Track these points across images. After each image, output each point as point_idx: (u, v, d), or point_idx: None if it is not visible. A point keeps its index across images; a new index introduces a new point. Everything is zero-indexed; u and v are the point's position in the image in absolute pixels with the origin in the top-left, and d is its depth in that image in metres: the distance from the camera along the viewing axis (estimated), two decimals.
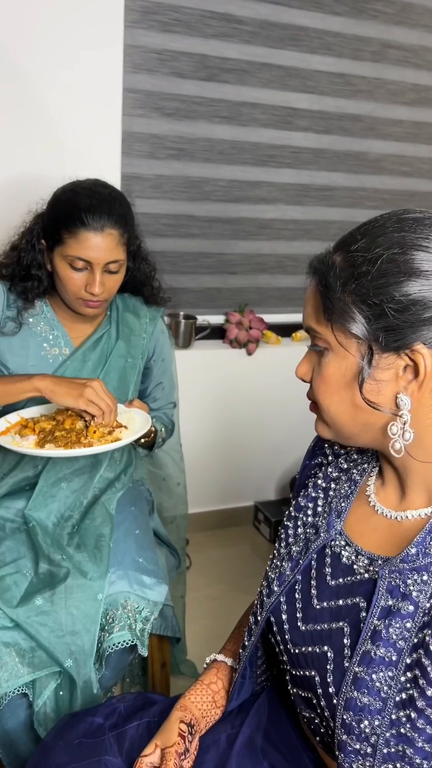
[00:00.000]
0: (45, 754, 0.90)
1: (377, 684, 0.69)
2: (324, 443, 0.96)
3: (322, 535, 0.83)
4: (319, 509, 0.89)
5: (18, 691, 1.10)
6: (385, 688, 0.69)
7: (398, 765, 0.68)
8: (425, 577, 0.70)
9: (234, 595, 2.22)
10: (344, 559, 0.81)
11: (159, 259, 1.61)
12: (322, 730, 0.78)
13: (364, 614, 0.74)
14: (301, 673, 0.79)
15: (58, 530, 1.28)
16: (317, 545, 0.83)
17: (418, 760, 0.67)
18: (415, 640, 0.69)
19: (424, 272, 0.67)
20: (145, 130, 2.12)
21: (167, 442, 1.57)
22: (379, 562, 0.77)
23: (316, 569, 0.83)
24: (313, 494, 0.91)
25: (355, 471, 0.88)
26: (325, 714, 0.75)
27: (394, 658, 0.69)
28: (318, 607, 0.80)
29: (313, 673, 0.77)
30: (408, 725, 0.67)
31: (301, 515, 0.90)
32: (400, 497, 0.80)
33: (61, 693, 1.13)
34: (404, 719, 0.67)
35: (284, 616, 0.83)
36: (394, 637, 0.70)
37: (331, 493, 0.89)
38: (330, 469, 0.91)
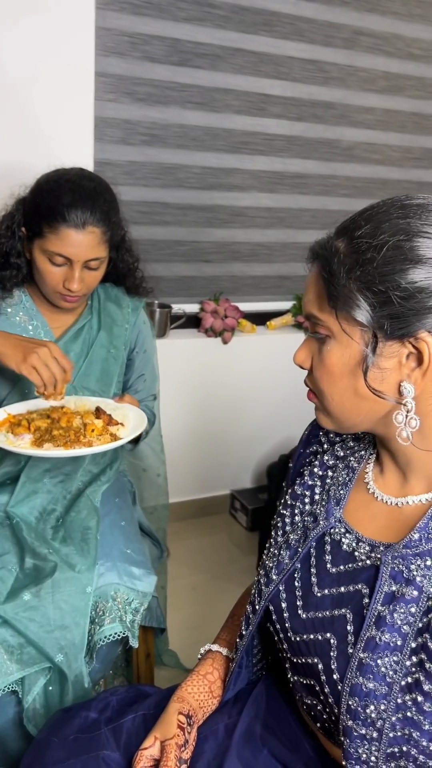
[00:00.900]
0: (40, 751, 0.89)
1: (382, 669, 0.70)
2: (319, 431, 0.96)
3: (321, 523, 0.83)
4: (317, 497, 0.89)
5: (7, 689, 1.08)
6: (391, 672, 0.69)
7: (404, 748, 0.69)
8: (429, 562, 0.71)
9: (213, 584, 2.22)
10: (345, 547, 0.81)
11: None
12: (324, 717, 0.79)
13: (367, 600, 0.75)
14: (303, 660, 0.79)
15: (42, 524, 1.26)
16: (316, 533, 0.83)
17: (424, 743, 0.67)
18: (420, 625, 0.69)
19: (430, 259, 0.67)
20: (118, 116, 2.08)
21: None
22: (381, 548, 0.77)
23: (315, 557, 0.83)
24: (310, 482, 0.91)
25: (352, 458, 0.88)
26: (329, 700, 0.75)
27: (399, 642, 0.70)
28: (319, 594, 0.80)
29: (315, 660, 0.77)
30: (414, 709, 0.67)
31: (298, 503, 0.90)
32: (399, 483, 0.80)
33: (50, 688, 1.11)
34: (410, 703, 0.68)
35: (284, 605, 0.83)
36: (399, 622, 0.70)
37: (328, 480, 0.89)
38: (326, 457, 0.91)
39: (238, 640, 0.91)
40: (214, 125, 2.24)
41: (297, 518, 0.89)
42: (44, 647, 1.08)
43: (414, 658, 0.69)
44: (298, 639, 0.80)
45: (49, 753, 0.87)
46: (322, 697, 0.77)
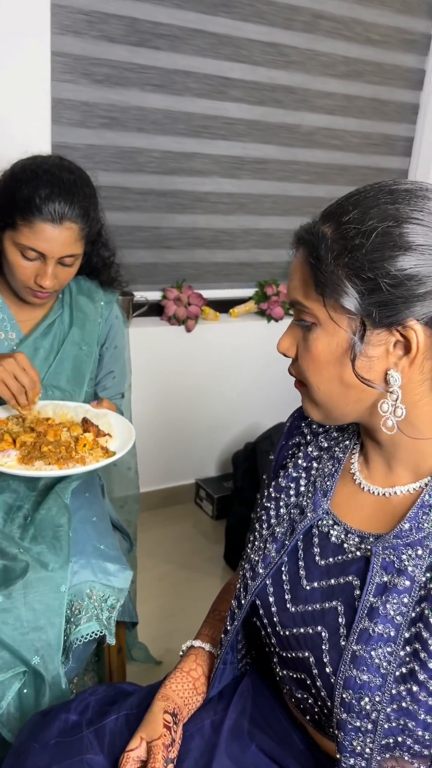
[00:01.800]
0: (20, 757, 0.85)
1: (376, 661, 0.69)
2: (301, 422, 0.95)
3: (308, 515, 0.82)
4: (302, 489, 0.87)
5: None
6: (385, 664, 0.69)
7: (399, 738, 0.68)
8: (420, 552, 0.71)
9: (180, 574, 2.21)
10: (333, 539, 0.80)
11: None
12: (316, 710, 0.78)
13: (358, 592, 0.74)
14: (293, 654, 0.78)
15: (9, 524, 1.22)
16: (304, 525, 0.82)
17: (419, 732, 0.67)
18: (413, 615, 0.69)
19: (420, 246, 0.65)
20: (75, 98, 2.02)
21: None
22: (371, 539, 0.76)
23: (303, 550, 0.82)
24: (295, 474, 0.89)
25: (337, 449, 0.87)
26: (321, 694, 0.74)
27: (392, 633, 0.69)
28: (308, 587, 0.79)
29: (306, 654, 0.76)
30: (409, 699, 0.67)
31: (283, 496, 0.89)
32: (386, 473, 0.79)
33: (25, 691, 1.07)
34: (405, 693, 0.67)
35: (271, 599, 0.82)
36: (392, 612, 0.70)
37: (313, 472, 0.88)
38: (310, 449, 0.90)
39: (222, 635, 0.89)
40: (174, 108, 2.19)
41: (282, 510, 0.87)
42: (19, 650, 1.04)
43: (408, 648, 0.68)
44: (287, 633, 0.79)
45: (30, 759, 0.84)
46: (313, 691, 0.76)
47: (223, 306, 2.50)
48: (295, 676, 0.80)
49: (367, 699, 0.69)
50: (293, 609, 0.79)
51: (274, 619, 0.81)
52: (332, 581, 0.77)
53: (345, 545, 0.78)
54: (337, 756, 0.72)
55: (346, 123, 2.57)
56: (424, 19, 2.60)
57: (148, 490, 2.51)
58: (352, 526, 0.79)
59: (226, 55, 2.22)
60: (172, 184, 2.27)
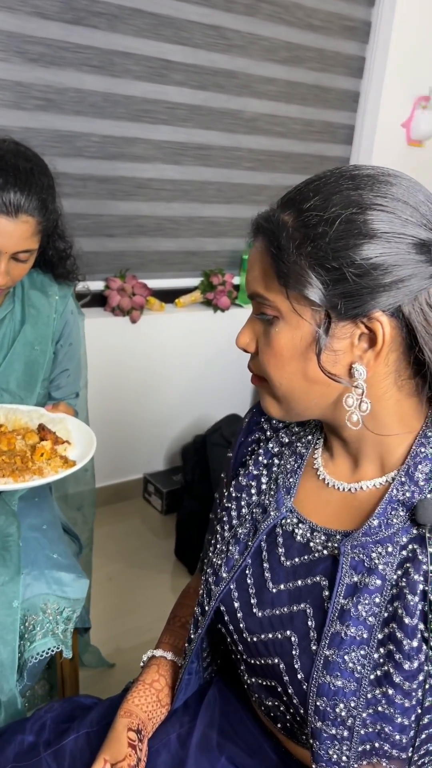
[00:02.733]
0: None
1: (350, 665, 0.66)
2: (260, 417, 0.91)
3: (271, 513, 0.79)
4: (264, 487, 0.84)
5: None
6: (359, 667, 0.66)
7: (376, 744, 0.66)
8: (389, 549, 0.68)
9: (130, 572, 2.15)
10: (299, 537, 0.77)
11: None
12: (288, 717, 0.75)
13: (327, 593, 0.71)
14: (262, 661, 0.75)
15: None
16: (267, 525, 0.78)
17: (396, 736, 0.65)
18: (386, 615, 0.67)
19: (385, 234, 0.62)
20: (8, 77, 1.91)
21: None
22: (338, 537, 0.73)
23: (267, 551, 0.78)
24: (255, 472, 0.85)
25: (299, 444, 0.83)
26: (294, 701, 0.71)
27: (365, 635, 0.67)
28: (274, 590, 0.76)
29: (276, 660, 0.73)
30: (385, 702, 0.65)
31: (243, 495, 0.85)
32: (350, 468, 0.76)
33: None
34: (380, 696, 0.65)
35: (236, 604, 0.78)
36: (364, 614, 0.67)
37: (275, 469, 0.84)
38: (270, 444, 0.86)
39: (186, 644, 0.84)
40: (113, 91, 2.11)
41: (244, 510, 0.83)
42: None
43: (382, 650, 0.66)
44: (255, 639, 0.75)
45: None
46: (285, 699, 0.73)
47: (169, 296, 2.44)
48: (264, 683, 0.76)
49: (342, 705, 0.66)
50: (260, 614, 0.76)
51: (241, 625, 0.77)
52: (299, 582, 0.74)
53: (311, 544, 0.75)
54: (313, 766, 0.69)
55: (288, 110, 2.54)
56: (364, 6, 2.59)
57: (95, 487, 2.44)
58: (317, 524, 0.76)
59: (167, 36, 2.15)
60: (113, 169, 2.19)
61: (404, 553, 0.68)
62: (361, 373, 0.66)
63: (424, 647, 0.65)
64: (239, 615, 0.77)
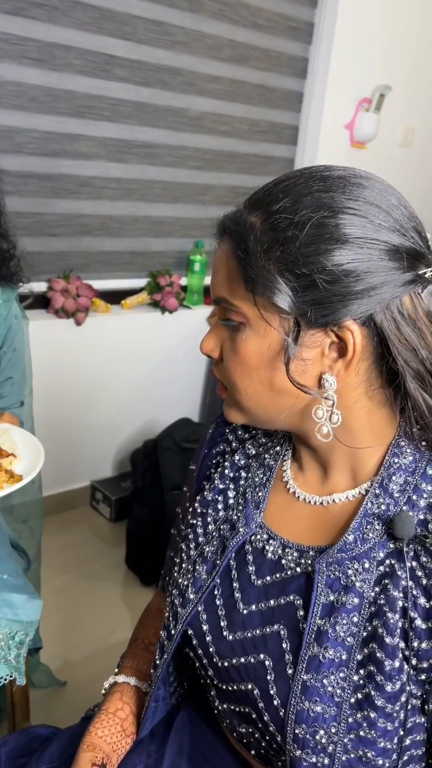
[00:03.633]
0: None
1: (329, 688, 0.63)
2: (225, 428, 0.87)
3: (240, 530, 0.75)
4: (231, 501, 0.80)
5: None
6: (338, 691, 0.63)
7: None
8: (366, 565, 0.65)
9: (80, 584, 2.08)
10: (269, 555, 0.73)
11: None
12: (262, 744, 0.71)
13: (302, 613, 0.68)
14: (235, 687, 0.71)
15: None
16: (236, 542, 0.74)
17: (380, 761, 0.62)
18: (365, 634, 0.64)
19: (357, 239, 0.60)
20: None
21: None
22: (311, 553, 0.70)
23: (236, 569, 0.74)
24: (221, 486, 0.81)
25: (267, 456, 0.80)
26: (270, 728, 0.67)
27: (344, 657, 0.63)
28: (245, 611, 0.72)
29: (250, 686, 0.69)
30: (366, 726, 0.62)
31: (210, 511, 0.80)
32: (321, 480, 0.73)
33: None
34: (362, 720, 0.62)
35: (205, 627, 0.73)
36: (342, 634, 0.64)
37: (242, 482, 0.80)
38: (237, 457, 0.82)
39: (152, 671, 0.79)
40: (54, 86, 2.03)
41: (211, 527, 0.79)
42: None
43: (362, 671, 0.63)
44: (226, 664, 0.71)
45: None
46: (260, 725, 0.69)
47: (115, 297, 2.37)
48: (237, 709, 0.72)
49: (322, 732, 0.63)
50: (230, 637, 0.71)
51: (210, 649, 0.73)
52: (271, 602, 0.70)
53: (283, 561, 0.72)
54: None
55: (233, 109, 2.51)
56: (307, 7, 2.58)
57: (42, 497, 2.35)
58: (289, 540, 0.73)
59: (110, 30, 2.09)
60: (55, 167, 2.11)
61: (381, 568, 0.65)
62: (332, 384, 0.64)
63: (406, 667, 0.62)
64: (208, 639, 0.73)
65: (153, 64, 2.23)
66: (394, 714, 0.62)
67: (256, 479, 0.78)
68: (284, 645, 0.67)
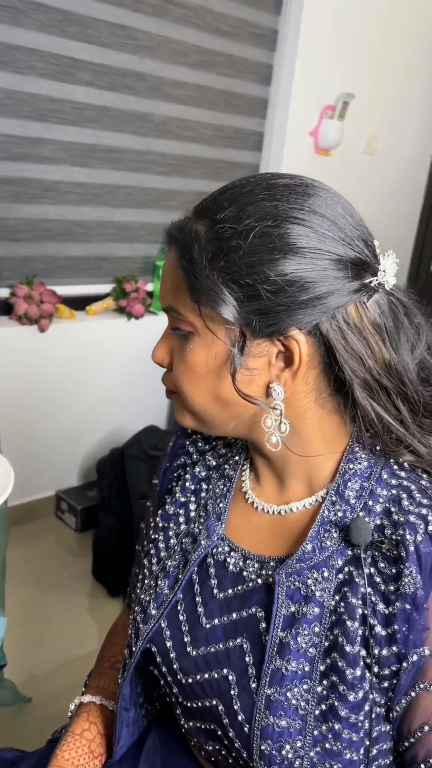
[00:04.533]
0: None
1: (293, 702, 0.62)
2: (185, 440, 0.86)
3: (202, 542, 0.73)
4: (192, 514, 0.78)
5: None
6: (303, 703, 0.62)
7: None
8: (325, 573, 0.64)
9: (45, 596, 2.04)
10: (231, 567, 0.72)
11: None
12: (230, 761, 0.69)
13: (264, 625, 0.66)
14: (199, 704, 0.69)
15: None
16: (198, 555, 0.73)
17: None
18: (326, 644, 0.63)
19: (301, 249, 0.59)
20: None
21: None
22: (271, 563, 0.69)
23: (199, 583, 0.73)
24: (183, 499, 0.80)
25: (226, 466, 0.79)
26: (236, 745, 0.66)
27: (306, 668, 0.63)
28: (208, 626, 0.70)
29: (215, 702, 0.67)
30: (332, 738, 0.61)
31: (171, 524, 0.79)
32: (278, 490, 0.72)
33: None
34: (327, 732, 0.61)
35: (169, 643, 0.72)
36: (304, 645, 0.63)
37: (203, 494, 0.79)
38: (198, 469, 0.81)
39: (118, 691, 0.77)
40: (16, 88, 1.99)
41: (172, 541, 0.78)
42: None
43: (325, 682, 0.62)
44: (190, 681, 0.70)
45: None
46: (226, 742, 0.67)
47: (79, 303, 2.34)
48: (203, 727, 0.71)
49: (288, 747, 0.61)
50: (194, 653, 0.70)
51: (174, 666, 0.71)
52: (234, 615, 0.69)
53: (244, 573, 0.71)
54: None
55: (199, 114, 2.50)
56: (271, 14, 2.59)
57: (6, 508, 2.29)
58: (249, 551, 0.72)
59: (73, 33, 2.06)
60: (18, 171, 2.07)
61: (341, 576, 0.64)
62: (279, 393, 0.63)
63: (368, 675, 0.61)
64: (172, 655, 0.71)
65: (117, 68, 2.20)
66: (359, 724, 0.61)
67: (217, 490, 0.77)
68: (247, 659, 0.66)
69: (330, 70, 2.75)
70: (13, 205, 2.10)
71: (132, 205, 2.41)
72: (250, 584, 0.70)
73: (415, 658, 0.60)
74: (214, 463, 0.80)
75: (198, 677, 0.69)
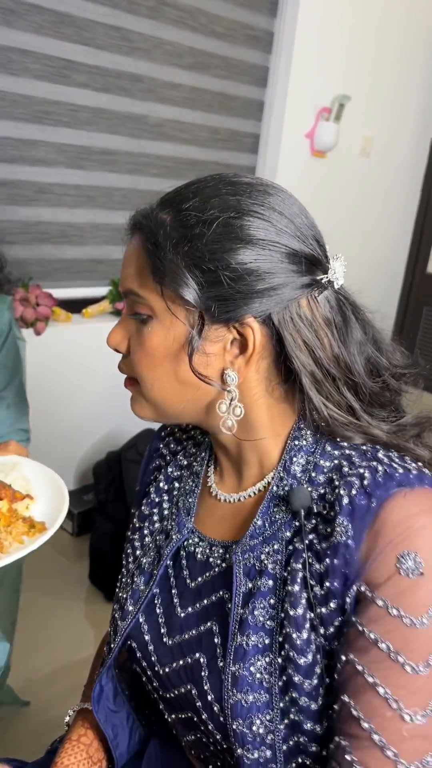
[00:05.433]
0: None
1: (258, 676, 0.62)
2: (159, 444, 0.88)
3: (174, 537, 0.75)
4: (166, 512, 0.81)
5: None
6: (267, 676, 0.62)
7: (300, 759, 0.62)
8: (276, 546, 0.66)
9: (42, 602, 2.02)
10: (199, 556, 0.74)
11: None
12: (213, 750, 0.69)
13: (229, 606, 0.67)
14: (176, 692, 0.70)
15: None
16: (170, 549, 0.75)
17: (314, 748, 0.61)
18: (282, 615, 0.63)
19: (261, 240, 0.63)
20: None
21: None
22: (233, 547, 0.71)
23: (174, 576, 0.75)
24: (157, 499, 0.82)
25: (195, 463, 0.81)
26: (209, 727, 0.66)
27: (267, 641, 0.63)
28: (182, 615, 0.72)
29: (189, 687, 0.68)
30: (293, 709, 0.61)
31: (146, 524, 0.81)
32: (237, 479, 0.75)
33: None
34: (289, 703, 0.61)
35: (147, 637, 0.73)
36: (261, 619, 0.64)
37: (175, 493, 0.81)
38: (170, 469, 0.83)
39: (95, 686, 0.77)
40: (11, 90, 1.99)
41: (147, 539, 0.80)
42: None
43: (283, 653, 0.62)
44: (167, 670, 0.71)
45: None
46: (203, 728, 0.68)
47: (75, 306, 2.33)
48: (182, 716, 0.71)
49: (258, 722, 0.62)
50: (170, 642, 0.71)
51: (152, 658, 0.72)
52: (205, 601, 0.71)
53: (210, 560, 0.73)
54: None
55: (194, 116, 2.50)
56: (267, 16, 2.60)
57: None
58: (215, 539, 0.74)
59: (68, 35, 2.06)
60: (12, 173, 2.07)
61: (291, 547, 0.65)
62: (233, 379, 0.66)
63: (313, 636, 0.61)
64: (150, 648, 0.73)
65: (112, 70, 2.20)
66: (313, 692, 0.61)
67: (187, 487, 0.80)
68: (216, 640, 0.67)
69: (326, 72, 2.76)
70: (8, 207, 2.09)
71: (128, 207, 2.40)
72: (216, 569, 0.72)
73: (349, 600, 0.59)
74: (185, 463, 0.83)
75: (174, 665, 0.70)
